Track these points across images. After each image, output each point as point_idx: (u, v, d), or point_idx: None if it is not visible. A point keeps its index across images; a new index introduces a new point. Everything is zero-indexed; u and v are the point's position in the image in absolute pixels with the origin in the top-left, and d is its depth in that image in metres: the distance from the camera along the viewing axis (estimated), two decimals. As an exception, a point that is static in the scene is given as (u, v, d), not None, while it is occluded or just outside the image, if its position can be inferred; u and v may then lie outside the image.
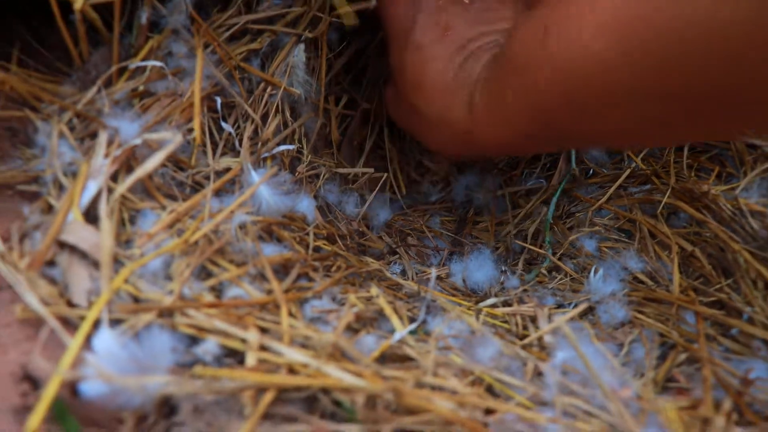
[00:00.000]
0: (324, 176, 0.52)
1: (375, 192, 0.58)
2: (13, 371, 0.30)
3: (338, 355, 0.32)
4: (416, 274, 0.52)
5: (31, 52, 0.47)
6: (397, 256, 0.55)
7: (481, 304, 0.46)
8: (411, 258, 0.55)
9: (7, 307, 0.33)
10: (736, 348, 0.41)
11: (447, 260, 0.56)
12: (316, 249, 0.46)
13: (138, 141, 0.37)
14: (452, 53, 0.48)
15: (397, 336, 0.35)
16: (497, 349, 0.35)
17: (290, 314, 0.36)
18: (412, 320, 0.40)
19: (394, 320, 0.38)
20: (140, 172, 0.36)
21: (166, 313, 0.33)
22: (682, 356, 0.41)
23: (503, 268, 0.54)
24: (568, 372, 0.35)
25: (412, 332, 0.39)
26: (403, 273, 0.53)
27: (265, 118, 0.47)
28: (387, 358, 0.35)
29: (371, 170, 0.58)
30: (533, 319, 0.44)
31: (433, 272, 0.45)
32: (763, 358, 0.40)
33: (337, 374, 0.29)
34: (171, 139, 0.37)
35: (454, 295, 0.50)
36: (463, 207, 0.62)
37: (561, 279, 0.50)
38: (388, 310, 0.38)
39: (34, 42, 0.47)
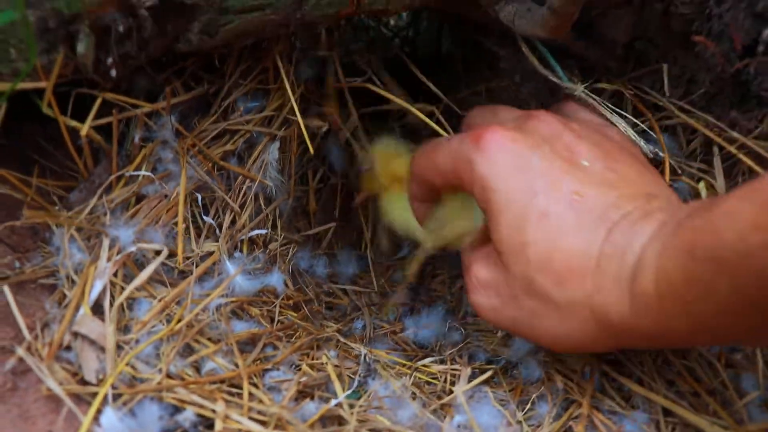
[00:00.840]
0: (294, 248, 0.63)
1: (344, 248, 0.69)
2: (41, 438, 0.42)
3: (283, 421, 0.43)
4: (374, 329, 0.64)
5: (46, 153, 0.59)
6: (360, 312, 0.66)
7: (419, 362, 0.57)
8: (372, 314, 0.67)
9: (35, 385, 0.45)
10: (623, 403, 0.52)
11: (403, 315, 0.67)
12: (285, 318, 0.58)
13: (133, 249, 0.49)
14: (593, 224, 0.43)
15: (333, 402, 0.46)
16: (413, 411, 0.47)
17: (253, 384, 0.48)
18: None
19: (337, 386, 0.49)
20: (137, 281, 0.48)
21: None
22: (578, 411, 0.52)
23: (453, 324, 0.65)
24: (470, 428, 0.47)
25: (354, 393, 0.51)
26: (365, 328, 0.64)
27: (242, 206, 0.59)
28: (327, 419, 0.47)
29: (333, 224, 0.70)
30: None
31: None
32: (638, 413, 0.50)
33: (279, 440, 0.41)
34: (162, 248, 0.49)
35: (404, 350, 0.62)
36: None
37: (496, 334, 0.61)
38: (333, 376, 0.50)
39: (47, 145, 0.59)
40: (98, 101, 0.52)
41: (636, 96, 0.60)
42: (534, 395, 0.53)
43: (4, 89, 0.47)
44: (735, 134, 0.53)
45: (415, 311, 0.67)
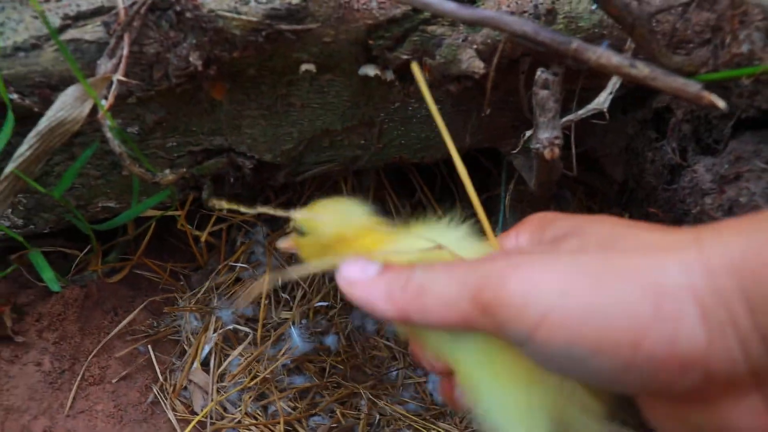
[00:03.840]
0: (350, 310, 0.92)
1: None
2: (167, 450, 0.74)
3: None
4: (404, 378, 0.92)
5: (177, 236, 0.91)
6: (397, 361, 0.94)
7: (430, 417, 0.84)
8: (406, 364, 0.95)
9: (165, 413, 0.76)
10: None
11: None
12: (333, 367, 0.87)
13: (231, 327, 0.79)
14: None
15: (350, 450, 0.75)
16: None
17: (301, 425, 0.78)
18: None
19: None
20: (231, 357, 0.78)
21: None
22: None
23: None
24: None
25: (372, 438, 0.79)
26: (397, 377, 0.92)
27: (311, 284, 0.88)
28: (348, 459, 0.76)
29: None
30: (454, 432, 0.82)
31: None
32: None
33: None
34: (249, 332, 0.79)
35: (423, 401, 0.89)
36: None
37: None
38: (360, 426, 0.79)
39: (178, 231, 0.91)
40: (213, 218, 0.82)
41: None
42: None
43: (155, 215, 0.78)
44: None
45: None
